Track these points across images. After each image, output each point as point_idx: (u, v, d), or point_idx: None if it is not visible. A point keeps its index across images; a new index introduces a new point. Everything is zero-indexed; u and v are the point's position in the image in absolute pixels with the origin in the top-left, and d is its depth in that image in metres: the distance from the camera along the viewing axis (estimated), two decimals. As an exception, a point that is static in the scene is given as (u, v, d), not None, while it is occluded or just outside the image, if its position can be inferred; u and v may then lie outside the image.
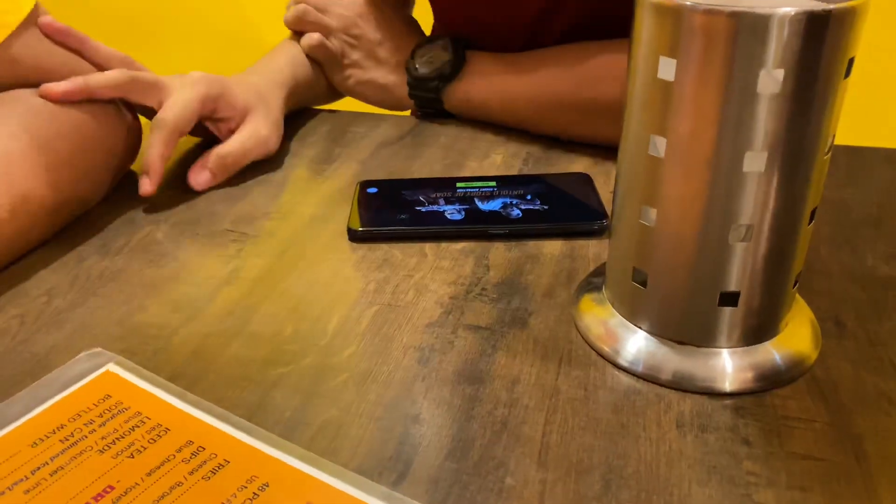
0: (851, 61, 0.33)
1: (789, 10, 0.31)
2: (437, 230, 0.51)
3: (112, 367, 0.39)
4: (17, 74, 0.52)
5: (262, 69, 0.68)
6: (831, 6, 0.32)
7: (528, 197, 0.54)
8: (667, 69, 0.34)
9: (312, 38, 0.69)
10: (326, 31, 0.70)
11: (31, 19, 0.52)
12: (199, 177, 0.58)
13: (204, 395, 0.37)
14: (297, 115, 0.70)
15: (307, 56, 0.71)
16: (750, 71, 0.32)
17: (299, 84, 0.69)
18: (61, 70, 0.53)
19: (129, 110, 0.58)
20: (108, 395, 0.37)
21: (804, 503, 0.32)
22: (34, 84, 0.52)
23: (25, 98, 0.51)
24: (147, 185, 0.54)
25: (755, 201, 0.35)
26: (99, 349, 0.40)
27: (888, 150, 0.63)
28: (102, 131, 0.54)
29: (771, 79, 0.32)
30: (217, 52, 1.54)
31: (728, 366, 0.38)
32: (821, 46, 0.32)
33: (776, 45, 0.32)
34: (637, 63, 0.36)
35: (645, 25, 0.35)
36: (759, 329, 0.39)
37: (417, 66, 0.69)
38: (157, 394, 0.37)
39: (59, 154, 0.50)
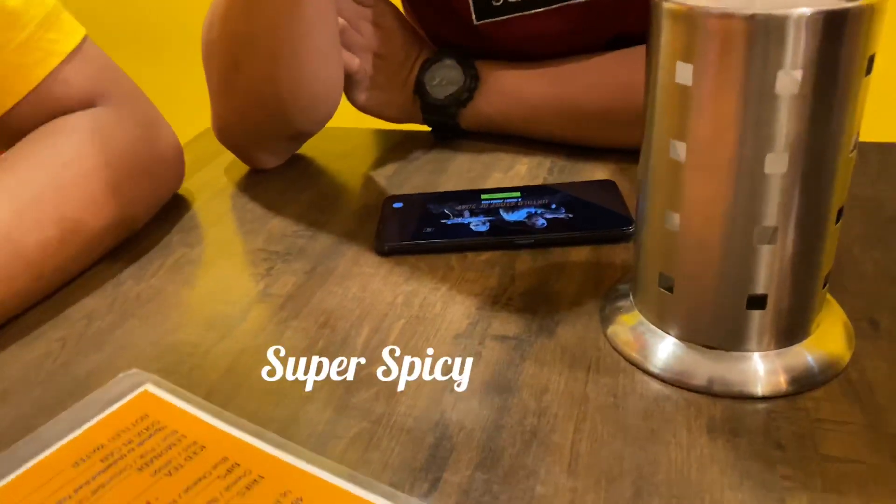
0: (872, 58, 0.33)
1: (806, 10, 0.31)
2: (462, 242, 0.52)
3: (149, 387, 0.40)
4: (71, 94, 0.54)
5: None
6: (848, 5, 0.31)
7: (553, 206, 0.54)
8: (684, 74, 0.34)
9: (353, 62, 0.65)
10: (352, 49, 0.66)
11: (81, 48, 0.54)
12: None
13: (238, 410, 0.38)
14: (320, 134, 0.70)
15: None
16: (768, 73, 0.32)
17: None
18: (114, 91, 0.55)
19: (173, 138, 0.59)
20: (146, 415, 0.38)
21: (841, 507, 0.31)
22: (88, 105, 0.54)
23: (76, 126, 0.53)
24: None
25: (779, 203, 0.35)
26: (136, 370, 0.41)
27: (921, 145, 0.62)
28: (149, 159, 0.56)
29: (790, 80, 0.32)
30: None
31: (759, 369, 0.38)
32: (839, 45, 0.32)
33: (794, 46, 0.32)
34: (655, 69, 0.36)
35: (661, 31, 0.35)
36: (789, 331, 0.38)
37: (429, 89, 0.67)
38: (193, 412, 0.38)
39: (107, 182, 0.51)
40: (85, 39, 0.54)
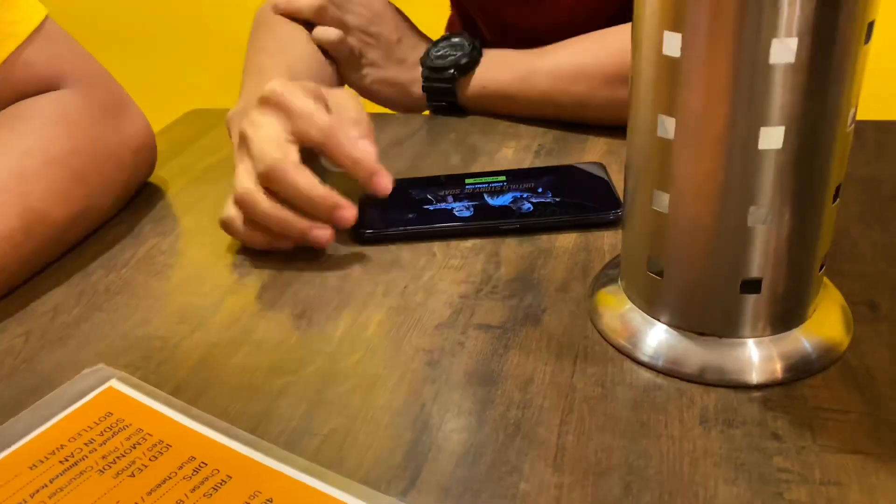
0: (871, 25, 0.31)
1: (800, -27, 0.29)
2: (445, 228, 0.50)
3: (114, 384, 0.38)
4: (31, 77, 0.51)
5: (286, 67, 0.62)
6: (846, -33, 0.30)
7: (540, 190, 0.52)
8: (672, 44, 0.32)
9: (331, 33, 0.67)
10: (345, 29, 0.68)
11: (42, 28, 0.52)
12: (380, 179, 0.47)
13: (208, 406, 0.36)
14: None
15: (323, 51, 0.69)
16: (761, 41, 0.30)
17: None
18: (75, 70, 0.53)
19: (144, 123, 0.57)
20: (110, 413, 0.36)
21: (841, 499, 0.30)
22: (51, 87, 0.52)
23: (39, 110, 0.51)
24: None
25: (774, 181, 0.33)
26: (101, 365, 0.39)
27: (918, 122, 0.60)
28: (117, 144, 0.53)
29: (784, 48, 0.30)
30: (221, 55, 1.54)
31: (754, 356, 0.36)
32: (836, 10, 0.30)
33: (788, 12, 0.30)
34: (640, 40, 0.34)
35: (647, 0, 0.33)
36: (785, 316, 0.37)
37: (433, 58, 0.68)
38: (159, 409, 0.36)
39: (73, 171, 0.49)
40: (46, 20, 0.52)
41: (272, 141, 0.45)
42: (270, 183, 0.44)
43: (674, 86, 0.33)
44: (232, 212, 0.47)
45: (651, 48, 0.33)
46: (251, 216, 0.46)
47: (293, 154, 0.45)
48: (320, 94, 0.49)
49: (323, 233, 0.46)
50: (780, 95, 0.31)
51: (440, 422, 0.35)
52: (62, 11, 0.55)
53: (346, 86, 0.71)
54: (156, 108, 0.73)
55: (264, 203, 0.45)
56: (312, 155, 0.48)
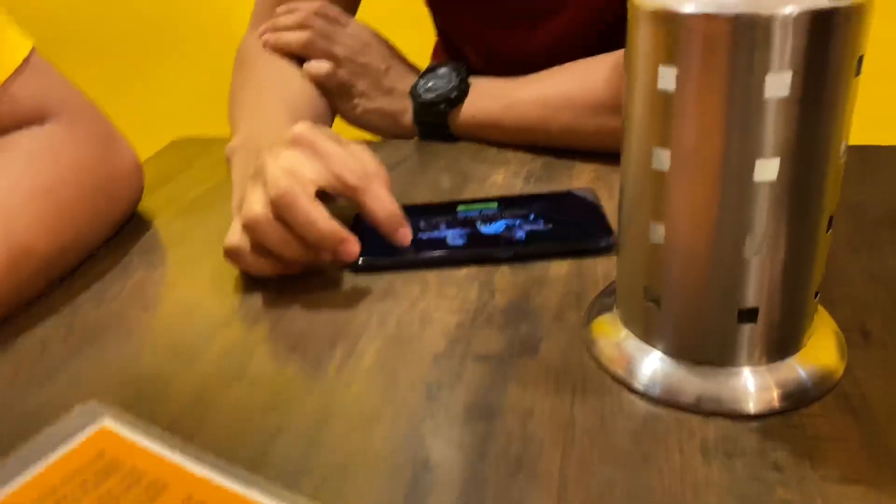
0: (861, 59, 0.32)
1: (793, 9, 0.30)
2: (439, 257, 0.50)
3: (107, 422, 0.37)
4: (16, 111, 0.51)
5: (289, 112, 0.61)
6: (837, 3, 0.30)
7: (532, 217, 0.53)
8: (667, 79, 0.32)
9: (322, 66, 0.68)
10: (334, 60, 0.69)
11: (28, 62, 0.51)
12: (405, 231, 0.48)
13: (204, 444, 0.35)
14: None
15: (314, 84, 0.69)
16: (755, 75, 0.31)
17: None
18: (61, 104, 0.53)
19: (131, 156, 0.56)
20: (103, 453, 0.35)
21: (844, 531, 0.30)
22: (37, 121, 0.51)
23: (27, 144, 0.50)
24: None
25: (769, 212, 0.33)
26: (93, 403, 0.38)
27: (900, 146, 0.61)
28: (104, 177, 0.53)
29: (779, 82, 0.30)
30: (203, 80, 1.54)
31: (751, 385, 0.36)
32: (828, 46, 0.30)
33: (781, 47, 0.30)
34: (635, 74, 0.34)
35: (640, 34, 0.33)
36: (781, 345, 0.37)
37: (422, 92, 0.69)
38: (154, 448, 0.35)
39: (59, 202, 0.49)
40: (32, 53, 0.52)
41: (289, 172, 0.45)
42: (280, 209, 0.44)
43: (668, 119, 0.33)
44: (238, 239, 0.47)
45: (645, 82, 0.33)
46: (262, 241, 0.45)
47: (310, 188, 0.45)
48: (340, 140, 0.49)
49: (329, 256, 0.46)
50: (774, 128, 0.31)
51: (441, 458, 0.34)
52: (42, 37, 0.54)
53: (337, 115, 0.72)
54: (136, 133, 0.72)
55: (276, 230, 0.45)
56: None
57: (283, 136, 0.48)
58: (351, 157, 0.47)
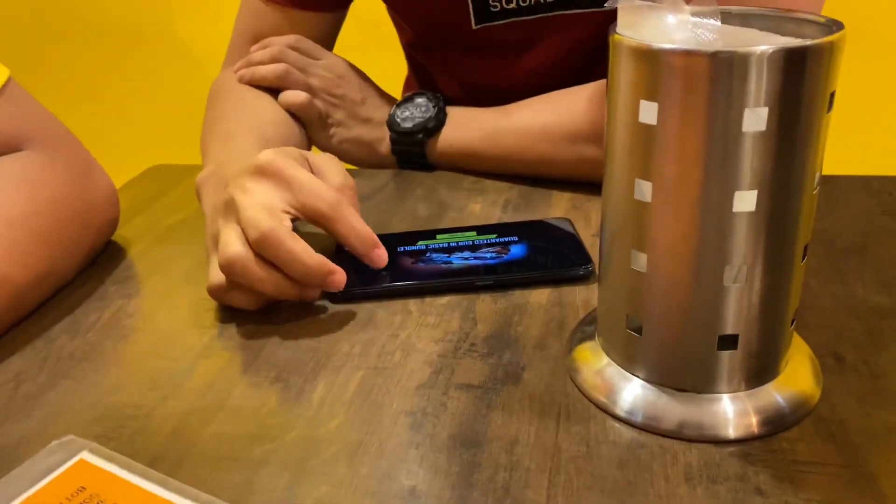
0: (832, 95, 0.33)
1: (767, 47, 0.31)
2: (419, 285, 0.50)
3: (86, 456, 0.36)
4: None
5: (259, 140, 0.61)
6: (808, 42, 0.31)
7: (511, 245, 0.53)
8: (648, 113, 0.33)
9: (299, 96, 0.68)
10: (310, 91, 0.69)
11: (4, 90, 0.51)
12: (380, 252, 0.49)
13: (186, 478, 0.35)
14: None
15: (290, 114, 0.69)
16: (733, 110, 0.32)
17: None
18: (38, 132, 0.52)
19: (108, 184, 0.56)
20: (82, 487, 0.34)
21: (826, 554, 0.30)
22: (13, 149, 0.51)
23: (2, 174, 0.49)
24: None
25: (747, 241, 0.34)
26: (71, 437, 0.37)
27: (864, 177, 0.63)
28: (80, 205, 0.52)
29: (755, 117, 0.32)
30: (176, 108, 1.53)
31: (730, 412, 0.37)
32: (801, 82, 0.32)
33: (757, 83, 0.31)
34: (616, 107, 0.35)
35: (622, 69, 0.34)
36: (759, 371, 0.38)
37: (399, 121, 0.69)
38: (136, 482, 0.35)
39: (34, 232, 0.48)
40: (9, 81, 0.51)
41: (265, 208, 0.45)
42: (264, 250, 0.44)
43: (650, 152, 0.34)
44: (219, 278, 0.46)
45: (627, 115, 0.34)
46: (242, 281, 0.45)
47: (286, 221, 0.45)
48: (305, 161, 0.49)
49: (316, 292, 0.48)
50: (752, 161, 0.32)
51: (428, 487, 0.34)
52: (17, 63, 0.54)
53: (314, 147, 0.72)
54: (112, 160, 0.72)
55: (259, 268, 0.44)
56: None
57: (248, 166, 0.48)
58: (319, 184, 0.47)
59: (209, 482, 0.35)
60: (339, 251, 0.53)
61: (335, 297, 0.49)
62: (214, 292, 0.47)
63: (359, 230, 0.47)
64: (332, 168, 0.50)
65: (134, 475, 0.35)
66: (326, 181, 0.48)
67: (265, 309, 0.48)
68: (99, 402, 0.41)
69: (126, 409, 0.40)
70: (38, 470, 0.36)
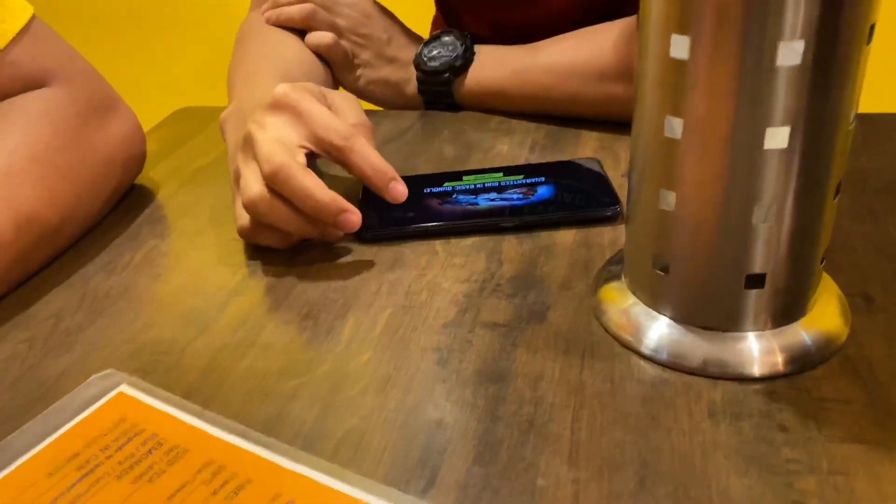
0: (873, 27, 0.32)
1: (805, -23, 0.30)
2: (446, 226, 0.50)
3: (125, 388, 0.38)
4: (17, 76, 0.51)
5: (282, 78, 0.59)
6: (849, -29, 0.30)
7: (538, 186, 0.53)
8: (680, 47, 0.33)
9: (326, 37, 0.68)
10: (337, 31, 0.69)
11: (29, 27, 0.51)
12: (398, 185, 0.48)
13: (220, 410, 0.36)
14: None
15: (317, 55, 0.69)
16: (767, 44, 0.31)
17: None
18: (61, 68, 0.53)
19: (133, 121, 0.56)
20: (123, 418, 0.36)
21: (848, 488, 0.31)
22: (37, 85, 0.51)
23: (24, 109, 0.50)
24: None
25: (778, 179, 0.34)
26: (111, 370, 0.39)
27: (902, 115, 0.61)
28: (105, 144, 0.53)
29: (791, 51, 0.31)
30: (205, 51, 1.53)
31: (756, 350, 0.37)
32: (841, 13, 0.31)
33: (793, 16, 0.30)
34: (647, 42, 0.34)
35: (653, 2, 0.33)
36: (786, 310, 0.37)
37: (426, 60, 0.69)
38: (173, 413, 0.36)
39: (59, 168, 0.49)
40: (33, 18, 0.51)
41: (280, 142, 0.45)
42: (276, 185, 0.44)
43: (681, 88, 0.33)
44: (246, 218, 0.47)
45: (658, 50, 0.34)
46: (264, 220, 0.46)
47: (301, 157, 0.45)
48: (322, 96, 0.49)
49: (337, 232, 0.47)
50: (785, 97, 0.32)
51: (454, 420, 0.35)
52: (44, 8, 0.54)
53: (341, 88, 0.72)
54: (141, 104, 0.72)
55: (280, 207, 0.45)
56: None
57: (264, 100, 0.48)
58: (332, 117, 0.47)
59: (241, 415, 0.36)
60: (365, 195, 0.53)
61: (363, 238, 0.50)
62: (244, 232, 0.48)
63: (374, 162, 0.47)
64: (350, 106, 0.50)
65: (171, 407, 0.36)
66: (342, 118, 0.48)
67: (295, 249, 0.49)
68: (135, 339, 0.42)
69: (161, 345, 0.42)
70: (79, 402, 0.37)
